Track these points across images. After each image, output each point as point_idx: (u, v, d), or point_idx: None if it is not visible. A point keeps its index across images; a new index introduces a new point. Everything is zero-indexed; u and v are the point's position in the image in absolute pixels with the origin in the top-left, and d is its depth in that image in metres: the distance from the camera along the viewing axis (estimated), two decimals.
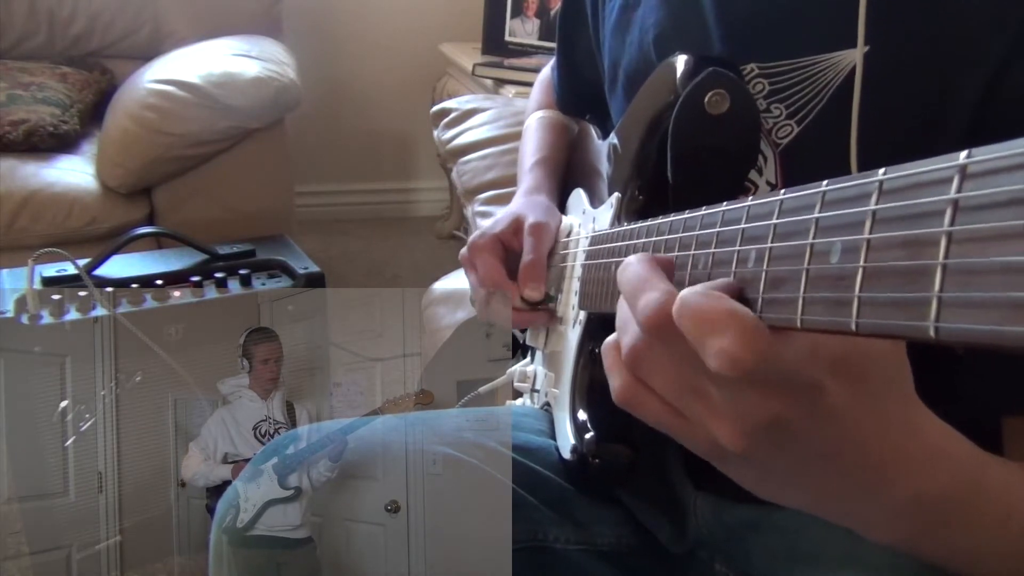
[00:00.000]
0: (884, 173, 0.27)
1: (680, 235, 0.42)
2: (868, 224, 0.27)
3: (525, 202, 0.80)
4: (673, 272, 0.40)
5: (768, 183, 0.57)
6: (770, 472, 0.37)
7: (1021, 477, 0.41)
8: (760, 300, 0.33)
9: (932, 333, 0.23)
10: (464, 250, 0.77)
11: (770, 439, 0.34)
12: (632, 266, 0.39)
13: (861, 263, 0.27)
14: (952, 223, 0.23)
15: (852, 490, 0.37)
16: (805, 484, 0.38)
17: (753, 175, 0.57)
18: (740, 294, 0.34)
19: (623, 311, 0.39)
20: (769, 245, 0.33)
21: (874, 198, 0.27)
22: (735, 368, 0.31)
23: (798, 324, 0.30)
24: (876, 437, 0.35)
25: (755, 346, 0.31)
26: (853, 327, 0.27)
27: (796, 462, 0.36)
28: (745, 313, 0.31)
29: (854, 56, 0.51)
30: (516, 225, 0.75)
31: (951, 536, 0.40)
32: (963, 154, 0.23)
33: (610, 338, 0.40)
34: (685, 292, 0.33)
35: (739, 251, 0.35)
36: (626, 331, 0.38)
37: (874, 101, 0.51)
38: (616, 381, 0.39)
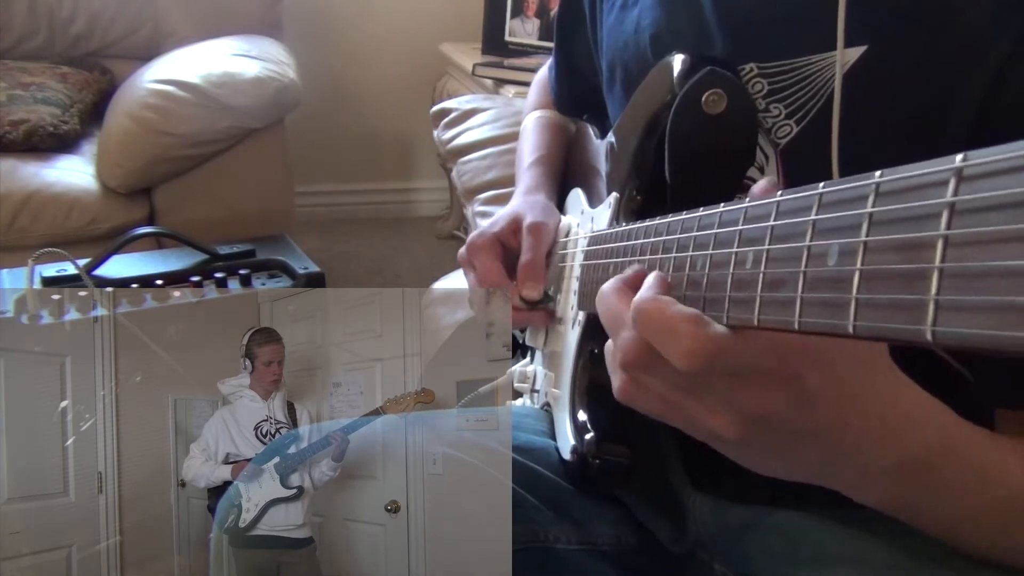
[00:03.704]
0: (880, 175, 0.27)
1: (678, 236, 0.42)
2: (865, 227, 0.27)
3: (523, 202, 0.80)
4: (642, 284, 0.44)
5: (770, 182, 0.57)
6: (762, 451, 0.42)
7: (1001, 448, 0.44)
8: (758, 301, 0.33)
9: (929, 337, 0.23)
10: (463, 250, 0.77)
11: (761, 426, 0.39)
12: (604, 299, 0.44)
13: (858, 266, 0.27)
14: (949, 226, 0.23)
15: (834, 459, 0.42)
16: (793, 458, 0.43)
17: (756, 174, 0.57)
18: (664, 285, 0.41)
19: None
20: (766, 247, 0.33)
21: (871, 200, 0.27)
22: (692, 365, 0.36)
23: (796, 326, 0.30)
24: (853, 412, 0.40)
25: (706, 345, 0.36)
26: (850, 330, 0.27)
27: (784, 442, 0.40)
28: (690, 314, 0.37)
29: (851, 56, 0.51)
30: (515, 225, 0.75)
31: (929, 500, 0.44)
32: (959, 157, 0.23)
33: (610, 341, 0.43)
34: (638, 303, 0.39)
35: (736, 253, 0.35)
36: (618, 335, 0.42)
37: (868, 102, 0.51)
38: (616, 381, 0.43)
